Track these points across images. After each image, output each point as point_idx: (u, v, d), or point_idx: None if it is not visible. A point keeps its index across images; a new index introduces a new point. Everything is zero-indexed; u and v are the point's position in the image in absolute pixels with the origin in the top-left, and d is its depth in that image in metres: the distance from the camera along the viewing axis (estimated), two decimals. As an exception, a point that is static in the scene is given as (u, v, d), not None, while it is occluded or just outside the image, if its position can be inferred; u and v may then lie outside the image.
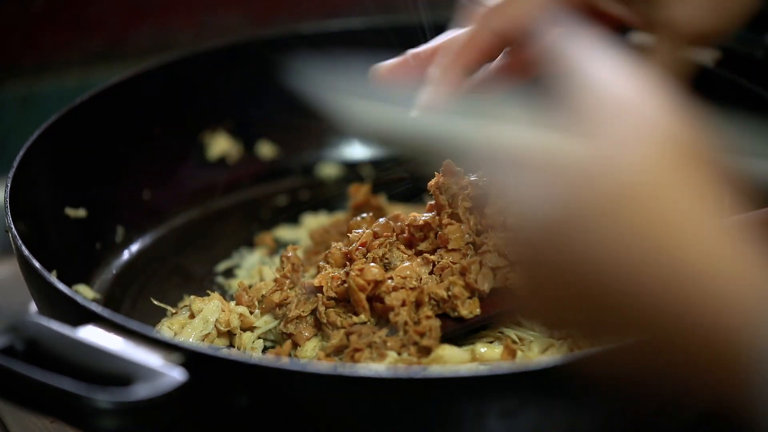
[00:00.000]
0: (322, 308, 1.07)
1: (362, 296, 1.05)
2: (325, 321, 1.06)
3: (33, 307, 1.21)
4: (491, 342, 1.06)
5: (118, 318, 0.90)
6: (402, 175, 1.21)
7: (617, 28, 1.04)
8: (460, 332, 1.05)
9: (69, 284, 1.10)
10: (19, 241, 1.02)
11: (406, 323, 1.03)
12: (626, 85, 0.79)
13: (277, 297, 1.10)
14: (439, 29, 1.44)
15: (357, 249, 1.08)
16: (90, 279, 1.21)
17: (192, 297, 1.12)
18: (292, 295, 1.11)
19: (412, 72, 1.04)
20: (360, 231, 1.11)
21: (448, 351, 1.02)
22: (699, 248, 0.74)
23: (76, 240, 1.22)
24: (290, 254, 1.15)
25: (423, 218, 1.09)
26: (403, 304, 1.04)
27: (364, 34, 1.45)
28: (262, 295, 1.12)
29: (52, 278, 0.98)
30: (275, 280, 1.13)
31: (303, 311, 1.09)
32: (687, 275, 0.73)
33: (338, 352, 1.05)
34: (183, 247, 1.31)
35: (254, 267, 1.26)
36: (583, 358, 0.87)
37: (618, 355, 0.78)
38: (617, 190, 0.74)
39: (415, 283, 1.05)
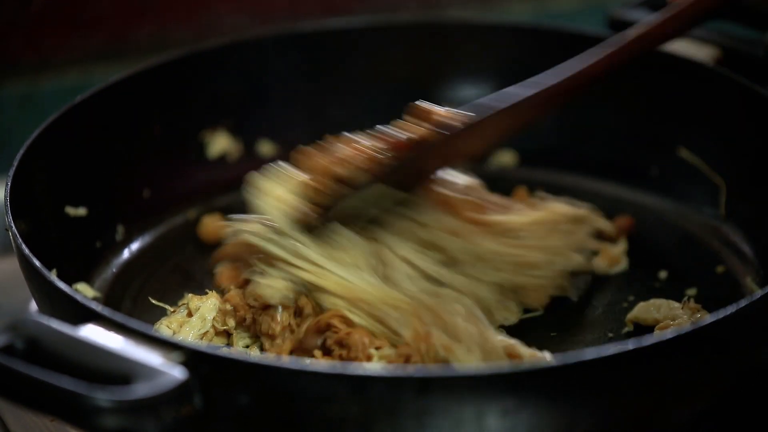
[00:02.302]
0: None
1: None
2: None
3: (33, 305, 1.21)
4: (491, 341, 1.06)
5: (118, 317, 0.90)
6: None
7: None
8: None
9: (69, 283, 1.10)
10: (19, 240, 1.02)
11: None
12: None
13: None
14: (438, 29, 1.45)
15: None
16: (90, 278, 1.21)
17: (189, 295, 1.12)
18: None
19: None
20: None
21: (448, 350, 1.02)
22: None
23: (76, 238, 1.22)
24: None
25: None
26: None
27: (364, 34, 1.45)
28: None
29: (53, 277, 0.98)
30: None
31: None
32: None
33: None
34: (183, 246, 1.30)
35: (254, 266, 1.26)
36: (582, 359, 0.87)
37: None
38: None
39: None
